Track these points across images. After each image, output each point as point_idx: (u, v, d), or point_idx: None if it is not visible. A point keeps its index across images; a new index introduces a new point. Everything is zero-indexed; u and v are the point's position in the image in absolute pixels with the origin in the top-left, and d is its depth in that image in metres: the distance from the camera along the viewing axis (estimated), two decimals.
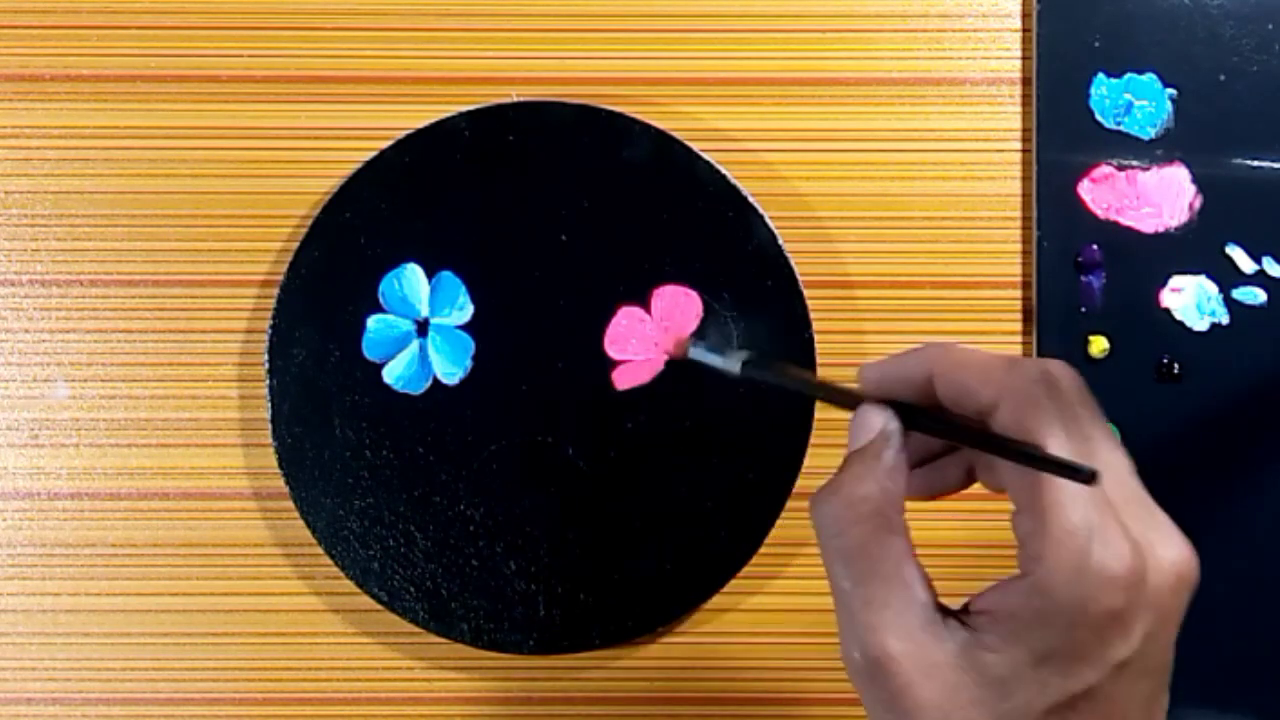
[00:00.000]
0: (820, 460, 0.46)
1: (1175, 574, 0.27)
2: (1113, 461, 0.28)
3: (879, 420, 0.30)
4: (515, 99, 0.46)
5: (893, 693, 0.27)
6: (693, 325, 0.45)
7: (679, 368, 0.45)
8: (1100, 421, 0.28)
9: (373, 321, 0.45)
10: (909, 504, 0.30)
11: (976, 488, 0.47)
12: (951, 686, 0.27)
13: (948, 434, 0.30)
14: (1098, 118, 0.46)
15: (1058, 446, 0.27)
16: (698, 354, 0.38)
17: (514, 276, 0.45)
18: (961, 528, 0.47)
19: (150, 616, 0.47)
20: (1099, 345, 0.46)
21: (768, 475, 0.45)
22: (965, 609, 0.28)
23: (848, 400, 0.31)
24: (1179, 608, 0.27)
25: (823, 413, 0.45)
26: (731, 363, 0.35)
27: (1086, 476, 0.25)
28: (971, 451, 0.31)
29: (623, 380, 0.45)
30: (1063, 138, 0.46)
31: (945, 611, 0.28)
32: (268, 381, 0.45)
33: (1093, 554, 0.26)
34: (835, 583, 0.29)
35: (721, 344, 0.42)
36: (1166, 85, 0.46)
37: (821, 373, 0.45)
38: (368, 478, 0.45)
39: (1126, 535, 0.26)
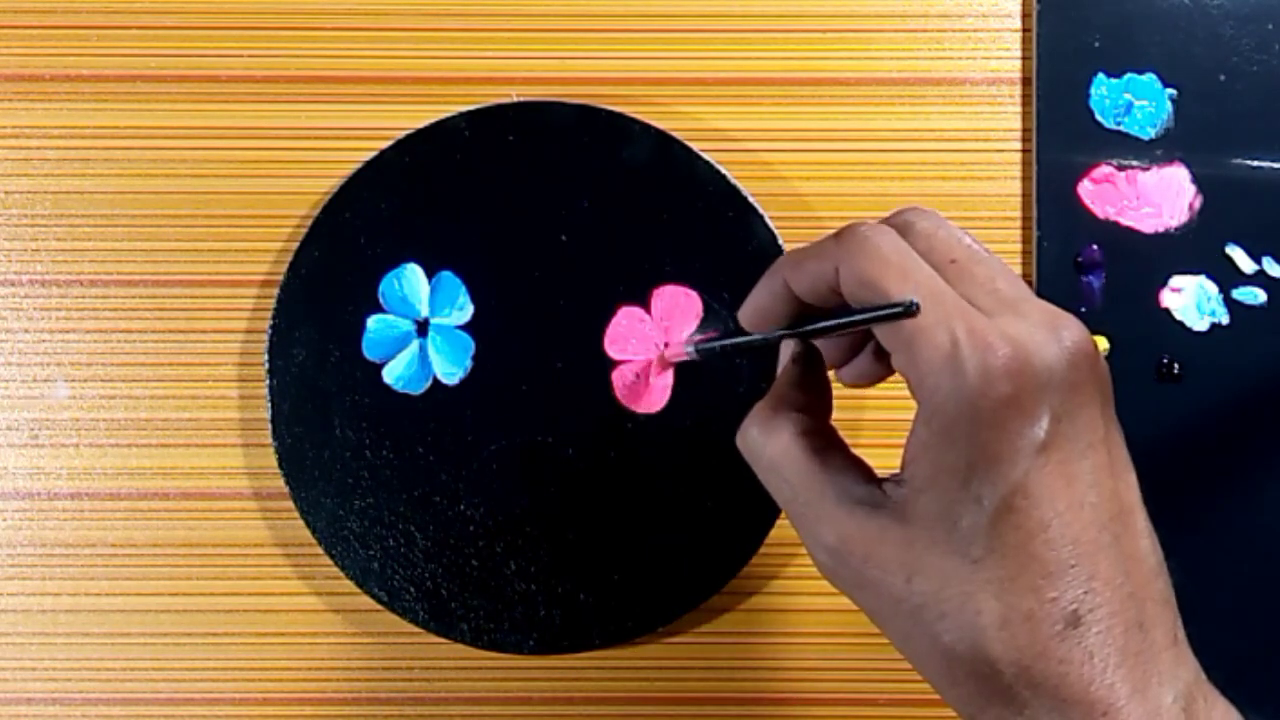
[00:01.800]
0: None
1: (1066, 349, 0.27)
2: (980, 273, 0.29)
3: (785, 353, 0.33)
4: (515, 99, 0.46)
5: (856, 569, 0.29)
6: (694, 327, 0.45)
7: (686, 385, 0.45)
8: (964, 245, 0.29)
9: (373, 321, 0.45)
10: None
11: None
12: (903, 541, 0.28)
13: (807, 332, 0.32)
14: (1098, 118, 0.46)
15: (898, 286, 0.28)
16: (690, 352, 0.42)
17: (514, 276, 0.45)
18: None
19: (150, 616, 0.47)
20: (1099, 345, 0.46)
21: None
22: (899, 470, 0.29)
23: (771, 340, 0.34)
24: (1086, 381, 0.28)
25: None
26: (691, 350, 0.40)
27: (906, 309, 0.26)
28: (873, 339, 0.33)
29: (638, 405, 0.45)
30: (1063, 138, 0.46)
31: (881, 480, 0.29)
32: (268, 381, 0.45)
33: (963, 358, 0.26)
34: (776, 497, 0.31)
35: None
36: (1166, 85, 0.46)
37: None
38: (368, 478, 0.45)
39: (997, 332, 0.27)
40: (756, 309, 0.33)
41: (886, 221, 0.31)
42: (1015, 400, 0.26)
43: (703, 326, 0.45)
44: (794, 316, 0.32)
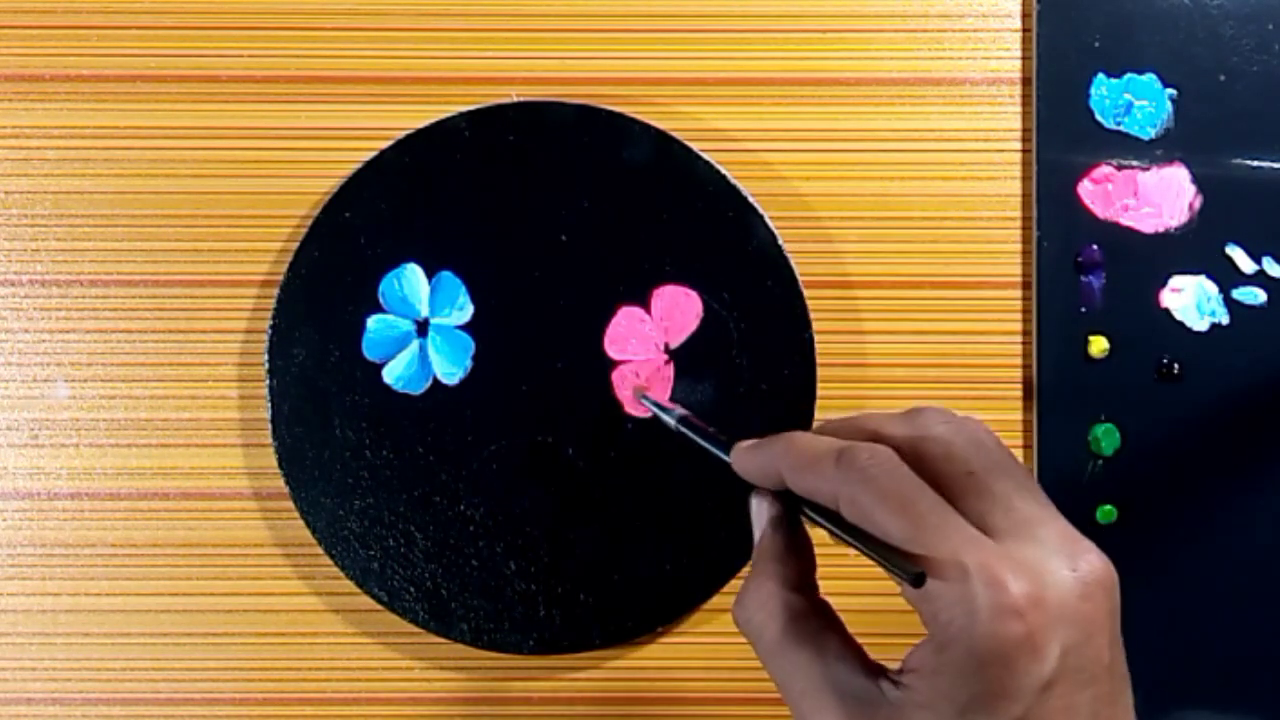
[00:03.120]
0: None
1: (1079, 582, 0.27)
2: (998, 491, 0.28)
3: (763, 511, 0.32)
4: (515, 99, 0.46)
5: None
6: (694, 327, 0.45)
7: (681, 377, 0.45)
8: (979, 451, 0.29)
9: (373, 321, 0.45)
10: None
11: None
12: None
13: (819, 523, 0.31)
14: (1098, 118, 0.46)
15: (890, 531, 0.27)
16: (648, 402, 0.43)
17: (514, 276, 0.45)
18: None
19: (150, 616, 0.47)
20: (1099, 345, 0.46)
21: None
22: (900, 668, 0.28)
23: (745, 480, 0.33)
24: (1097, 612, 0.27)
25: (823, 414, 0.45)
26: (670, 418, 0.39)
27: (912, 579, 0.26)
28: None
29: (637, 408, 0.45)
30: (1063, 138, 0.46)
31: (878, 673, 0.29)
32: (268, 381, 0.45)
33: (975, 596, 0.26)
34: (774, 678, 0.30)
35: (756, 387, 0.45)
36: (1166, 85, 0.46)
37: (822, 373, 0.45)
38: (368, 478, 0.45)
39: (1008, 563, 0.26)
40: (753, 472, 0.32)
41: (902, 419, 0.30)
42: (1026, 639, 0.26)
43: (682, 385, 0.45)
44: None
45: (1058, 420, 0.46)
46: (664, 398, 0.45)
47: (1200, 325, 0.46)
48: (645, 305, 0.45)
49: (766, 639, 0.30)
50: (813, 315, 0.45)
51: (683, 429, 0.39)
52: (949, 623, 0.26)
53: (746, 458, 0.32)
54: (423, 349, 0.45)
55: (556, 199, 0.45)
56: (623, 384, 0.45)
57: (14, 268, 0.47)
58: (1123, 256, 0.46)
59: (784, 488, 0.31)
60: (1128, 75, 0.46)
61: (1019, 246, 0.47)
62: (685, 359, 0.45)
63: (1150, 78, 0.46)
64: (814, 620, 0.30)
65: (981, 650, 0.26)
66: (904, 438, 0.29)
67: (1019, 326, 0.47)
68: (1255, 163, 0.46)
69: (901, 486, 0.28)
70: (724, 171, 0.45)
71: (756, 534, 0.32)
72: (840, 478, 0.29)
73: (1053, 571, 0.27)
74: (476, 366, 0.45)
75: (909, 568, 0.26)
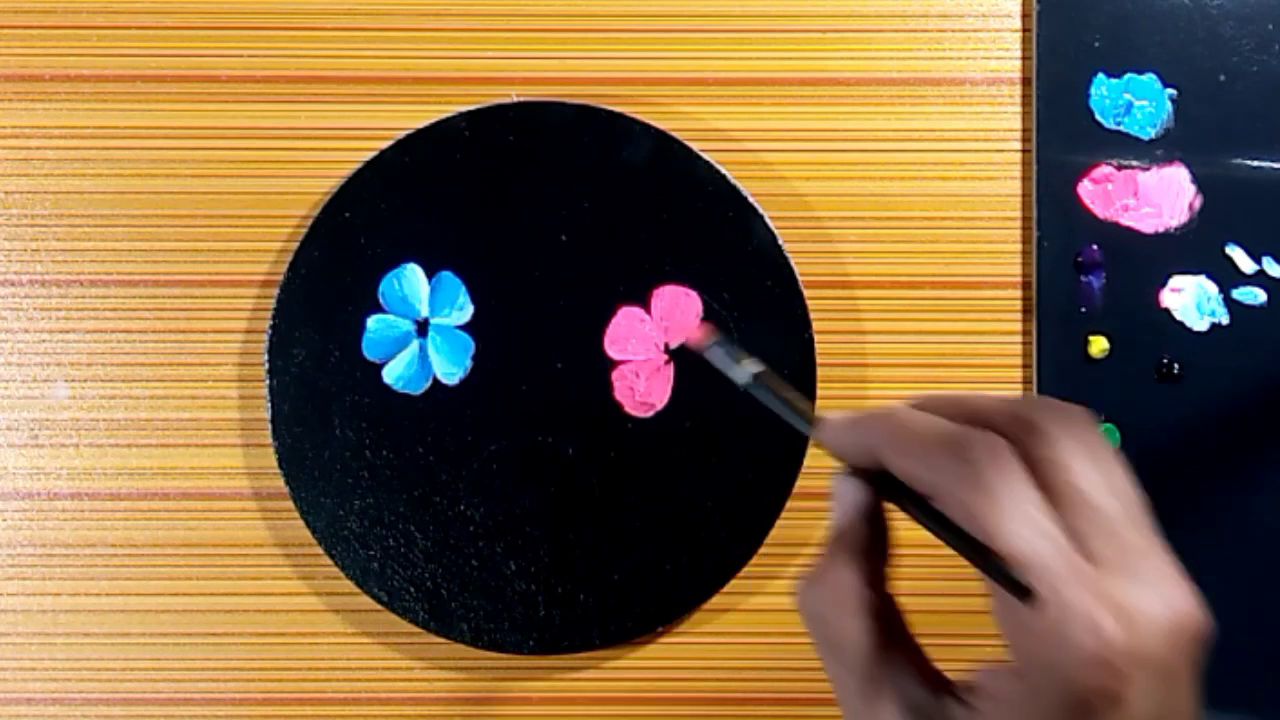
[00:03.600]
0: (820, 460, 0.46)
1: (1169, 628, 0.26)
2: (1105, 509, 0.26)
3: (849, 495, 0.30)
4: (515, 99, 0.46)
5: None
6: (700, 325, 0.45)
7: (681, 377, 0.45)
8: (1088, 463, 0.27)
9: (373, 321, 0.45)
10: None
11: None
12: None
13: (915, 516, 0.29)
14: (1098, 118, 0.46)
15: (1002, 532, 0.25)
16: (713, 355, 0.37)
17: (514, 276, 0.45)
18: None
19: (150, 616, 0.47)
20: (1099, 345, 0.46)
21: (768, 475, 0.45)
22: (969, 685, 0.27)
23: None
24: (1182, 661, 0.26)
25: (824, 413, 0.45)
26: (743, 376, 0.35)
27: (1023, 594, 0.24)
28: None
29: (637, 408, 0.45)
30: (1063, 138, 0.46)
31: (943, 688, 0.27)
32: (268, 381, 0.45)
33: (1068, 635, 0.25)
34: (828, 671, 0.28)
35: (737, 354, 0.42)
36: (1166, 85, 0.46)
37: (822, 373, 0.45)
38: (368, 478, 0.45)
39: (1106, 602, 0.25)
40: (847, 449, 0.30)
41: (1013, 409, 0.28)
42: (1112, 691, 0.25)
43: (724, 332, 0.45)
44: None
45: None
46: (665, 394, 0.45)
47: (1200, 325, 0.46)
48: (645, 305, 0.45)
49: (834, 632, 0.28)
50: (813, 315, 0.45)
51: (754, 391, 0.34)
52: (1036, 656, 0.25)
53: (840, 434, 0.30)
54: (423, 349, 0.45)
55: (556, 199, 0.45)
56: (692, 334, 0.44)
57: (14, 268, 0.47)
58: (1123, 256, 0.46)
59: (877, 468, 0.29)
60: (1128, 75, 0.46)
61: (1019, 246, 0.47)
62: (685, 359, 0.45)
63: (1150, 78, 0.46)
64: (888, 623, 0.28)
65: (1065, 693, 0.25)
66: (1012, 428, 0.27)
67: (1019, 326, 0.47)
68: (1255, 163, 0.46)
69: (1014, 501, 0.26)
70: (724, 171, 0.45)
71: (838, 517, 0.30)
72: (950, 476, 0.27)
73: (1148, 617, 0.25)
74: (476, 366, 0.45)
75: (1022, 582, 0.24)
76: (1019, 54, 0.47)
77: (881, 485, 0.29)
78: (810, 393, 0.45)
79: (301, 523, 0.45)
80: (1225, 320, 0.46)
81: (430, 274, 0.45)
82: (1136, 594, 0.25)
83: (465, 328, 0.46)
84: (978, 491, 0.26)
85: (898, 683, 0.27)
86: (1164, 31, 0.46)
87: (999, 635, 0.26)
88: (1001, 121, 0.47)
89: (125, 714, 0.47)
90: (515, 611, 0.45)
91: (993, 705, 0.26)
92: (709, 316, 0.45)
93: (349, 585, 0.45)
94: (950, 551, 0.27)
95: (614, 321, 0.45)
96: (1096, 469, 0.27)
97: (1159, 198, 0.46)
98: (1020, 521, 0.26)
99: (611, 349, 0.45)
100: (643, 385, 0.45)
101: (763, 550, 0.45)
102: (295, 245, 0.45)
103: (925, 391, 0.46)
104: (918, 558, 0.34)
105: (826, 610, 0.28)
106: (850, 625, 0.28)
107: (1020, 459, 0.26)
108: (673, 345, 0.45)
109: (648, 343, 0.45)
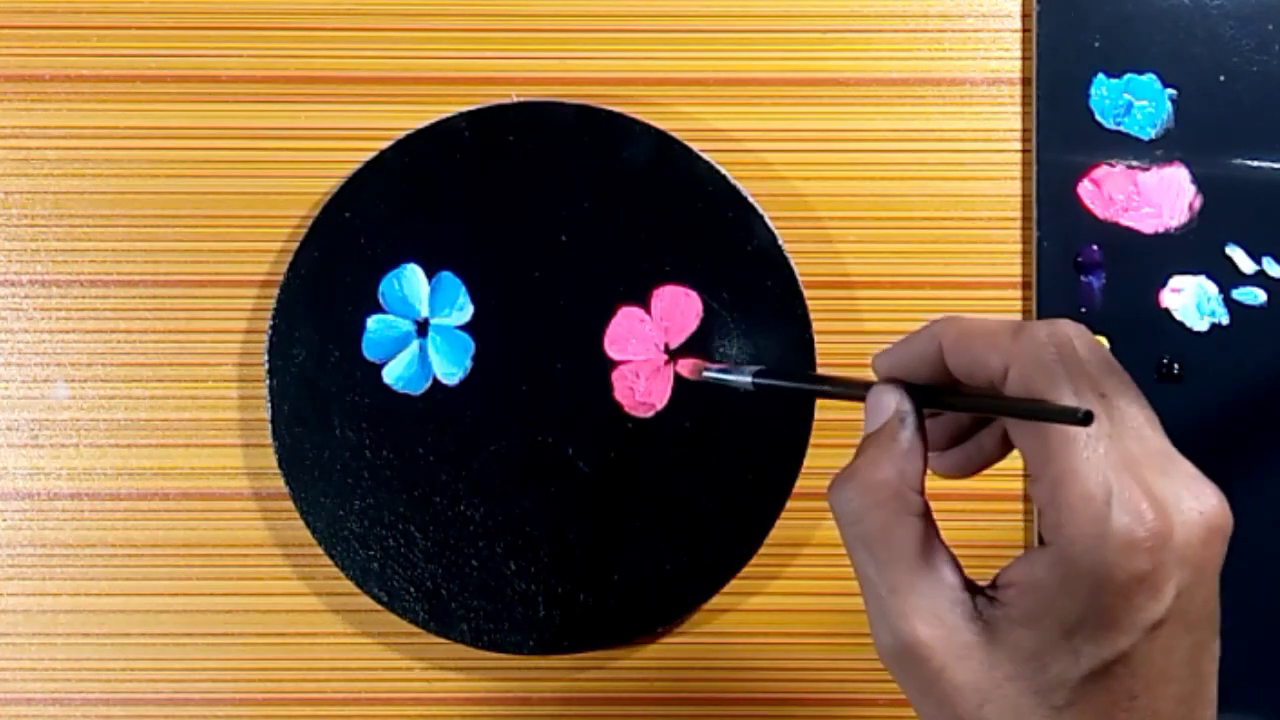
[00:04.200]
0: (820, 460, 0.46)
1: (1204, 526, 0.26)
2: (1131, 415, 0.27)
3: (891, 400, 0.30)
4: (515, 99, 0.46)
5: (928, 677, 0.27)
6: (694, 327, 0.45)
7: (681, 377, 0.45)
8: (1117, 376, 0.28)
9: (373, 322, 0.45)
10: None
11: (976, 487, 0.47)
12: (986, 665, 0.27)
13: (955, 405, 0.30)
14: (1098, 118, 0.46)
15: (1064, 402, 0.26)
16: (711, 376, 0.40)
17: (514, 276, 0.45)
18: (962, 528, 0.47)
19: (150, 617, 0.47)
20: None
21: (768, 475, 0.45)
22: (993, 584, 0.28)
23: (860, 391, 0.31)
24: (1214, 558, 0.27)
25: (823, 413, 0.45)
26: (743, 377, 0.37)
27: (1081, 418, 0.24)
28: (1004, 420, 0.31)
29: (637, 408, 0.45)
30: (1063, 138, 0.46)
31: (973, 589, 0.28)
32: (268, 381, 0.45)
33: (1112, 519, 0.25)
34: (859, 569, 0.28)
35: (729, 360, 0.43)
36: (1166, 85, 0.46)
37: (822, 373, 0.45)
38: (368, 478, 0.45)
39: (1147, 493, 0.26)
40: (899, 363, 0.31)
41: (1046, 333, 0.28)
42: (1149, 577, 0.25)
43: (708, 345, 0.45)
44: (930, 382, 0.30)
45: None
46: (665, 394, 0.45)
47: (1200, 325, 0.46)
48: (645, 305, 0.45)
49: (870, 526, 0.28)
50: (813, 315, 0.45)
51: (762, 386, 0.36)
52: (1075, 538, 0.25)
53: (894, 349, 0.31)
54: (423, 349, 0.46)
55: (556, 199, 0.45)
56: (681, 367, 0.45)
57: (14, 268, 0.47)
58: (1123, 256, 0.46)
59: (927, 378, 0.30)
60: (1128, 75, 0.46)
61: (1019, 246, 0.47)
62: (699, 381, 0.45)
63: (1150, 78, 0.46)
64: (926, 522, 0.28)
65: (1103, 576, 0.25)
66: (1060, 335, 0.28)
67: None
68: (1255, 163, 0.46)
69: (1077, 380, 0.27)
70: (724, 171, 0.45)
71: (876, 420, 0.30)
72: (1017, 350, 0.27)
73: (1183, 510, 0.26)
74: (476, 367, 0.45)
75: (1078, 407, 0.25)
76: (1019, 54, 0.47)
77: (920, 395, 0.30)
78: (810, 393, 0.45)
79: (301, 523, 0.45)
80: (1225, 320, 0.46)
81: (430, 274, 0.45)
82: (1172, 490, 0.26)
83: (465, 328, 0.46)
84: (1045, 369, 0.27)
85: (932, 581, 0.28)
86: (1164, 31, 0.46)
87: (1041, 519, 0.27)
88: (1001, 121, 0.47)
89: (125, 714, 0.47)
90: (515, 611, 0.45)
91: (1021, 593, 0.27)
92: (709, 316, 0.45)
93: (349, 585, 0.45)
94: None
95: (614, 321, 0.45)
96: (1120, 380, 0.28)
97: (1159, 198, 0.46)
98: (1078, 399, 0.26)
99: (611, 349, 0.45)
100: (643, 385, 0.45)
101: (763, 550, 0.45)
102: (295, 245, 0.45)
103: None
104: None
105: (864, 506, 0.28)
106: (889, 522, 0.28)
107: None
108: (678, 370, 0.45)
109: (648, 343, 0.45)
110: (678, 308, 0.45)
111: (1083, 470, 0.26)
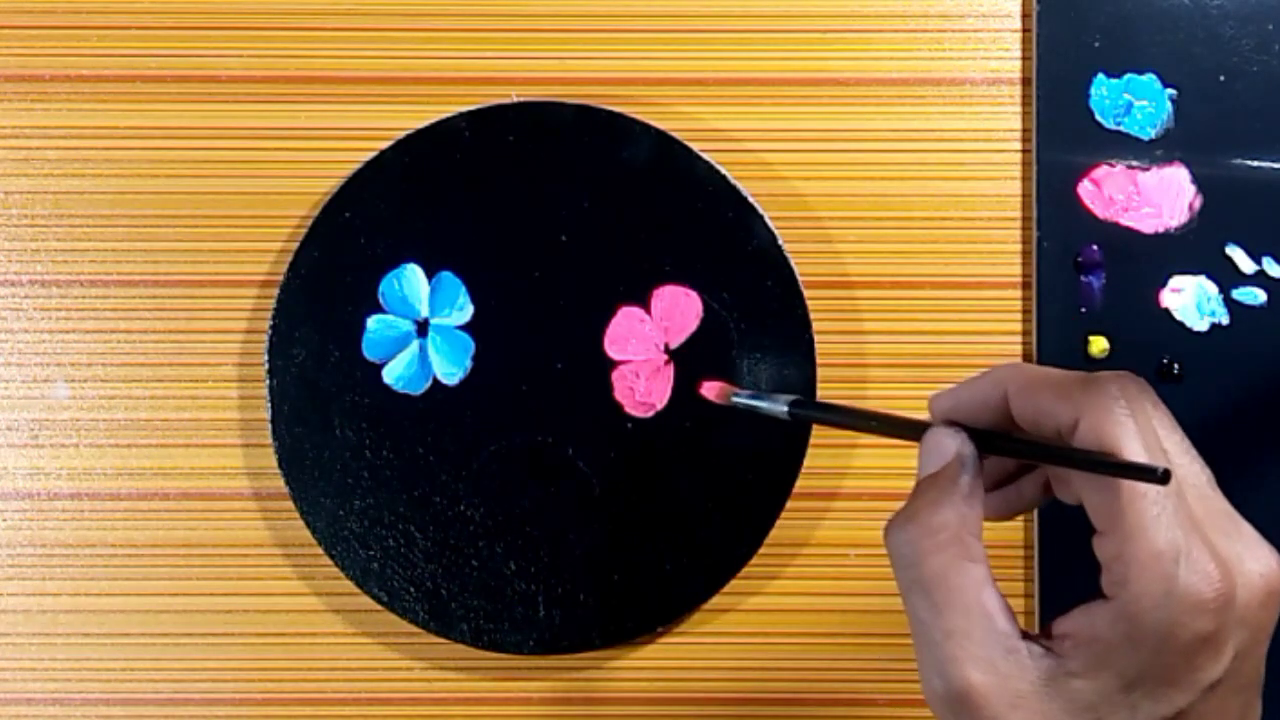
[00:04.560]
0: (820, 460, 0.46)
1: (1265, 588, 0.26)
2: (1194, 474, 0.27)
3: (952, 444, 0.30)
4: (515, 99, 0.46)
5: None
6: (694, 327, 0.45)
7: (681, 377, 0.45)
8: (1179, 434, 0.28)
9: (373, 322, 0.45)
10: None
11: None
12: (1040, 715, 0.26)
13: (1021, 452, 0.30)
14: (1098, 118, 0.46)
15: (1137, 459, 0.26)
16: (741, 403, 0.38)
17: (514, 276, 0.45)
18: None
19: (150, 617, 0.47)
20: (1099, 345, 0.46)
21: (768, 475, 0.45)
22: (1047, 633, 0.28)
23: (911, 431, 0.31)
24: (1271, 621, 0.27)
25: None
26: (778, 406, 0.35)
27: (1160, 477, 0.25)
28: (1048, 469, 0.31)
29: (636, 408, 0.45)
30: (1063, 138, 0.46)
31: (1027, 636, 0.28)
32: (268, 381, 0.45)
33: (1179, 577, 0.25)
34: (913, 613, 0.28)
35: (757, 387, 0.42)
36: (1166, 85, 0.46)
37: (822, 373, 0.45)
38: (368, 478, 0.45)
39: (1213, 554, 0.26)
40: (959, 406, 0.31)
41: (1117, 387, 0.28)
42: (1212, 638, 0.26)
43: (734, 373, 0.44)
44: (988, 427, 0.30)
45: None
46: (665, 394, 0.45)
47: (1200, 325, 0.46)
48: (645, 305, 0.45)
49: (930, 568, 0.28)
50: (813, 315, 0.45)
51: (799, 416, 0.35)
52: (1142, 595, 0.25)
53: (959, 392, 0.31)
54: (423, 349, 0.45)
55: (556, 199, 0.45)
56: (707, 391, 0.44)
57: (14, 268, 0.47)
58: (1123, 256, 0.46)
59: (988, 424, 0.30)
60: (1128, 75, 0.46)
61: (1019, 246, 0.47)
62: (685, 359, 0.45)
63: (1150, 78, 0.46)
64: (984, 568, 0.28)
65: (1168, 634, 0.25)
66: (1130, 390, 0.28)
67: (1019, 326, 0.47)
68: (1255, 163, 0.46)
69: (1146, 436, 0.27)
70: (724, 171, 0.45)
71: (935, 464, 0.30)
72: (1087, 402, 0.27)
73: (1247, 575, 0.26)
74: (476, 367, 0.45)
75: (1155, 465, 0.25)
76: (1019, 54, 0.47)
77: (979, 439, 0.30)
78: (810, 393, 0.45)
79: (301, 523, 0.45)
80: (1225, 320, 0.46)
81: (430, 274, 0.45)
82: (1236, 551, 0.26)
83: (465, 328, 0.46)
84: (1115, 422, 0.27)
85: (987, 628, 0.27)
86: (1164, 31, 0.46)
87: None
88: (1001, 121, 0.47)
89: (125, 714, 0.47)
90: (515, 611, 0.45)
91: (1079, 645, 0.27)
92: (709, 316, 0.45)
93: (349, 585, 0.45)
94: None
95: (614, 321, 0.45)
96: (1182, 440, 0.28)
97: (1159, 198, 0.46)
98: (1152, 452, 0.26)
99: (611, 349, 0.45)
100: (643, 385, 0.45)
101: (763, 550, 0.45)
102: (295, 245, 0.45)
103: (916, 399, 0.46)
104: None
105: (923, 551, 0.28)
106: (948, 567, 0.28)
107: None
108: (702, 393, 0.45)
109: (648, 343, 0.45)
110: (678, 308, 0.45)
111: (1152, 528, 0.26)
